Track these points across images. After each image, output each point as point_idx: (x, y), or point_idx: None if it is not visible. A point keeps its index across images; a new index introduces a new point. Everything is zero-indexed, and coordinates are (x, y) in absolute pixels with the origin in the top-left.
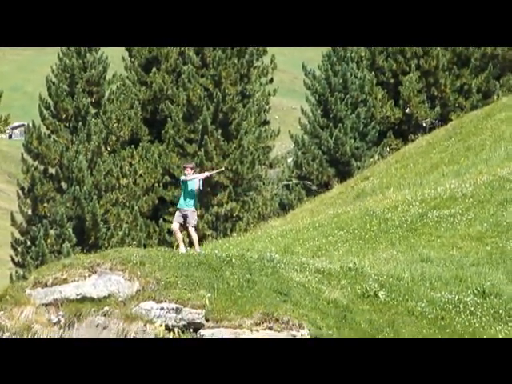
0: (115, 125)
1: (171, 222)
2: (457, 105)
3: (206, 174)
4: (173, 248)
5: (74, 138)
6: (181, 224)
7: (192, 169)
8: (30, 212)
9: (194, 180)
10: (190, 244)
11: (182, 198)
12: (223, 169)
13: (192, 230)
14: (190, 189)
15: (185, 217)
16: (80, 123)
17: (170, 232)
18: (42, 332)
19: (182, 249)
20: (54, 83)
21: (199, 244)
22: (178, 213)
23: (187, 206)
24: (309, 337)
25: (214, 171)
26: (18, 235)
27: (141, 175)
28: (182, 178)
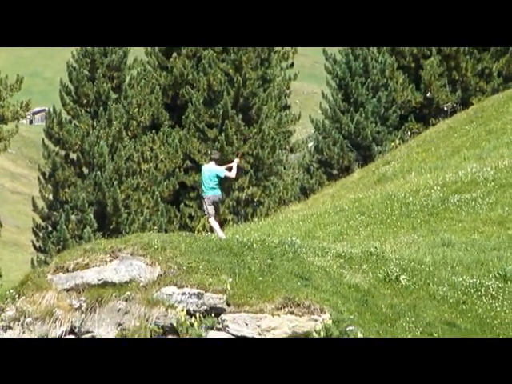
0: (136, 110)
1: (192, 207)
2: (478, 88)
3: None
4: (194, 233)
5: (94, 124)
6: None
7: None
8: (51, 197)
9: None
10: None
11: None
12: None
13: None
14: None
15: None
16: (101, 108)
17: (191, 217)
18: (64, 317)
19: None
20: (74, 68)
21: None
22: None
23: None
24: (330, 322)
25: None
26: (39, 220)
27: (162, 160)
28: (225, 173)
